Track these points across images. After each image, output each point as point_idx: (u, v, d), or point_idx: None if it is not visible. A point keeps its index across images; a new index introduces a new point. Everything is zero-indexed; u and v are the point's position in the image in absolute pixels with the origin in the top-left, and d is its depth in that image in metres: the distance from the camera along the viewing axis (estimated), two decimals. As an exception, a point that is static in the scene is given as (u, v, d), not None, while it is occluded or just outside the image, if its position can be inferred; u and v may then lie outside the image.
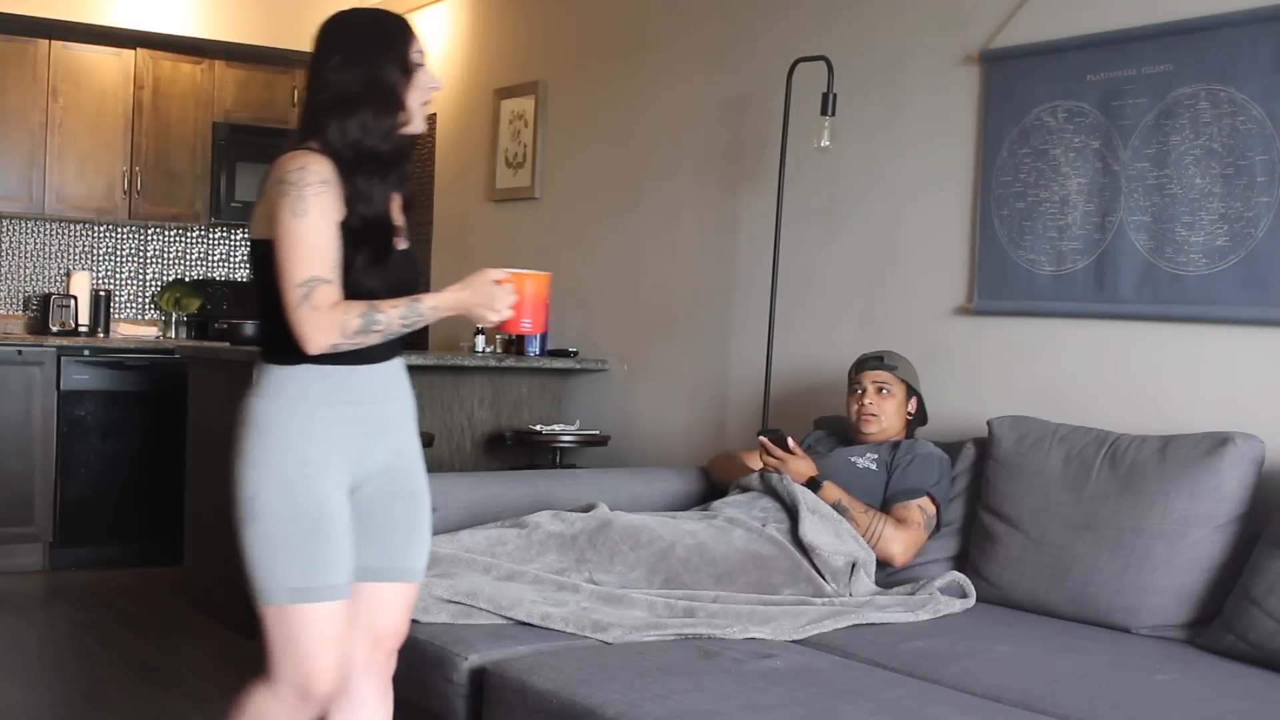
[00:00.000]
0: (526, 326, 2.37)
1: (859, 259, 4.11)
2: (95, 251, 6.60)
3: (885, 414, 3.50)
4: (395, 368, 2.40)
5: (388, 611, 2.40)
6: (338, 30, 2.30)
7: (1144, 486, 2.96)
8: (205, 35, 6.34)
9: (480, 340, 5.47)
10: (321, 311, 2.17)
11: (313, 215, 2.17)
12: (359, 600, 2.35)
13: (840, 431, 3.71)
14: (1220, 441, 2.92)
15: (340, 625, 2.26)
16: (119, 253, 6.66)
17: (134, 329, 6.55)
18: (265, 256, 2.22)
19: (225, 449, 2.36)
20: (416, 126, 2.33)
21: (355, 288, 2.23)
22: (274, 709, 2.25)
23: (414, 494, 2.40)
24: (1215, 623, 2.79)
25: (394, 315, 2.25)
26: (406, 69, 2.30)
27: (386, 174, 2.28)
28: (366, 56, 2.26)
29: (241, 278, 6.97)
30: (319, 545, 2.22)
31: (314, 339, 2.18)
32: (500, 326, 2.37)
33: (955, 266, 3.80)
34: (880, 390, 3.52)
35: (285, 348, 2.22)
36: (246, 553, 2.24)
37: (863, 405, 3.51)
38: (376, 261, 2.26)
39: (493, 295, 2.31)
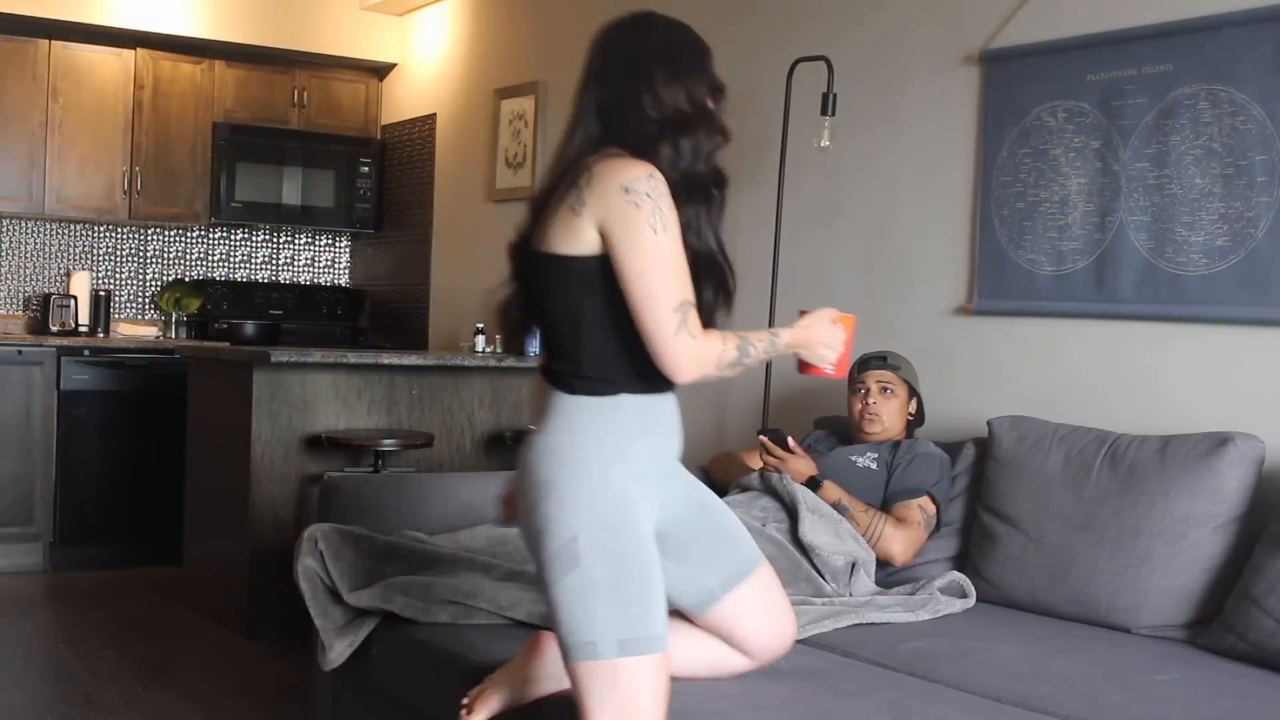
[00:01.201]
0: (829, 370, 2.26)
1: (859, 259, 4.11)
2: (95, 251, 6.60)
3: (888, 414, 3.50)
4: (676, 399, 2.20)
5: (754, 611, 2.31)
6: (654, 41, 2.14)
7: (1144, 486, 2.95)
8: (205, 35, 6.34)
9: (480, 340, 5.47)
10: (699, 340, 2.00)
11: (674, 232, 1.98)
12: (720, 623, 2.30)
13: (840, 431, 3.71)
14: (1220, 441, 2.91)
15: (667, 680, 2.07)
16: (119, 253, 6.67)
17: (134, 329, 6.55)
18: (580, 274, 2.02)
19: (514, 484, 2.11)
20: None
21: None
22: None
23: (710, 504, 2.32)
24: (1215, 623, 2.79)
25: (760, 349, 2.10)
26: (719, 87, 2.20)
27: (711, 202, 2.13)
28: (688, 73, 2.12)
29: (241, 277, 6.97)
30: (649, 591, 2.02)
31: (689, 369, 2.00)
32: (805, 368, 2.25)
33: (955, 266, 3.80)
34: (884, 390, 3.51)
35: (600, 375, 2.05)
36: (562, 603, 2.01)
37: (866, 404, 3.51)
38: (722, 303, 2.14)
39: (833, 335, 2.22)
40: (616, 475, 2.05)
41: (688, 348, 1.99)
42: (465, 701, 2.41)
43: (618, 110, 2.10)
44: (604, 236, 1.99)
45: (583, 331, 2.05)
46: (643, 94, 2.08)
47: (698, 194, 2.10)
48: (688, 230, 2.07)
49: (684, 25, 2.20)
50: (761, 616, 2.36)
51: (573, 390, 2.07)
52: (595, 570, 1.99)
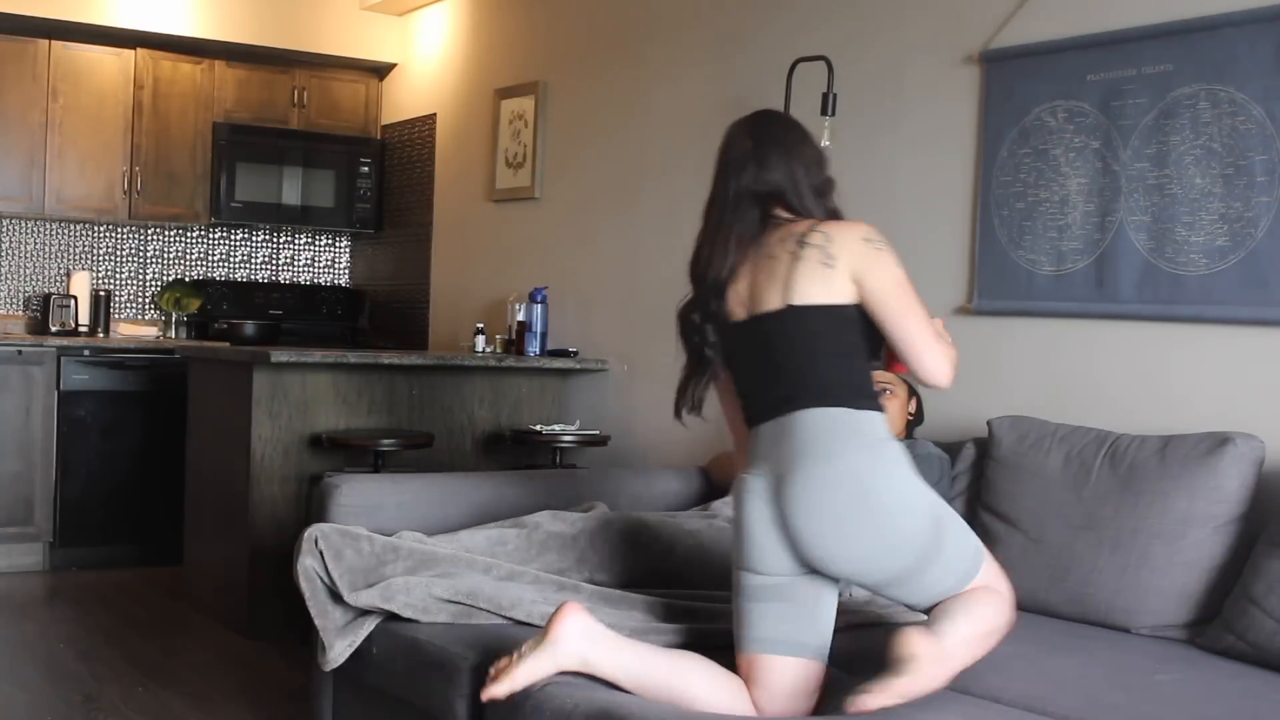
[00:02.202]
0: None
1: (859, 259, 4.11)
2: (95, 251, 6.60)
3: (888, 414, 3.49)
4: None
5: (803, 692, 2.42)
6: (803, 133, 2.63)
7: (1144, 486, 2.96)
8: (205, 35, 6.34)
9: (480, 340, 5.47)
10: (948, 346, 2.44)
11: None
12: (764, 672, 2.40)
13: (840, 431, 3.70)
14: (1220, 441, 2.91)
15: None
16: (119, 253, 6.67)
17: (134, 329, 6.55)
18: (843, 316, 2.41)
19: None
20: None
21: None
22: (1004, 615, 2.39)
23: None
24: (1215, 623, 2.79)
25: None
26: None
27: None
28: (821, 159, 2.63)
29: (241, 277, 6.97)
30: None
31: (949, 370, 2.41)
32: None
33: (955, 266, 3.80)
34: (883, 391, 3.51)
35: (871, 394, 2.42)
36: (951, 556, 2.35)
37: (863, 405, 3.51)
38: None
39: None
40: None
41: (947, 352, 2.42)
42: (492, 672, 2.45)
43: (781, 193, 2.52)
44: (857, 283, 2.40)
45: (853, 363, 2.42)
46: (811, 175, 2.55)
47: None
48: None
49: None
50: (793, 698, 2.40)
51: (857, 406, 2.38)
52: (952, 521, 2.37)
